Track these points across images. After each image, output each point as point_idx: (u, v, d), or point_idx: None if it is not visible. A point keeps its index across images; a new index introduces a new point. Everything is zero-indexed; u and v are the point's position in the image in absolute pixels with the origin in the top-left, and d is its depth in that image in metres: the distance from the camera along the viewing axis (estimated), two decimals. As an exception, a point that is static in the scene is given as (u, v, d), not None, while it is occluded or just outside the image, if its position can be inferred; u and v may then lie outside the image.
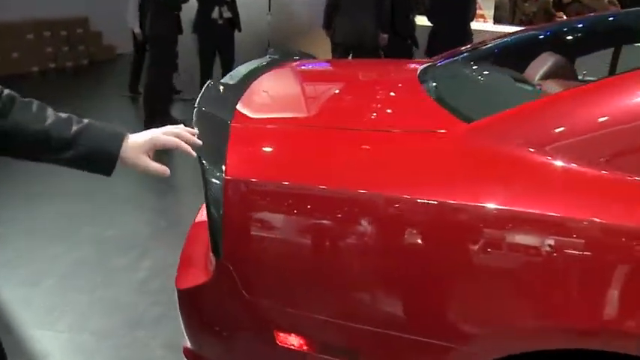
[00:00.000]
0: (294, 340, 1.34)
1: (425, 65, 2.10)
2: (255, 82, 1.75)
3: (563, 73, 2.18)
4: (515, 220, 1.13)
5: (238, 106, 1.54)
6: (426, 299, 1.21)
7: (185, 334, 1.47)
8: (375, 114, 1.61)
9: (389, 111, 1.66)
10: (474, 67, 2.10)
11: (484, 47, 2.36)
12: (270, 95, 1.77)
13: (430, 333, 1.22)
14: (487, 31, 6.69)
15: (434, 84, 1.77)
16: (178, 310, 1.46)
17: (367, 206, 1.22)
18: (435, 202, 1.17)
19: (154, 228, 3.52)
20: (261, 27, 7.23)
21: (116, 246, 3.17)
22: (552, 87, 1.96)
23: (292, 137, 1.44)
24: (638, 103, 1.24)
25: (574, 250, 1.10)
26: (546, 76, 2.15)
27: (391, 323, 1.24)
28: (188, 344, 1.49)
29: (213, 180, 1.29)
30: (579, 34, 2.48)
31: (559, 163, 1.20)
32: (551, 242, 1.09)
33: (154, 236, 3.36)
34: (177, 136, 1.17)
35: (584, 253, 1.09)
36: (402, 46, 5.53)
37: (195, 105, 1.49)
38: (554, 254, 1.09)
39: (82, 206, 3.65)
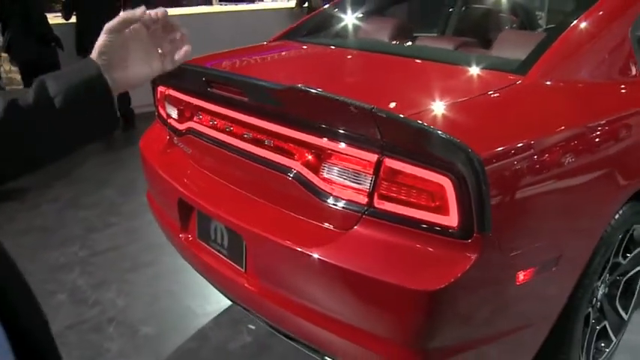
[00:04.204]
0: (527, 275, 1.60)
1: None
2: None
3: (404, 31, 2.76)
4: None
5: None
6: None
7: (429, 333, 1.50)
8: (432, 90, 1.86)
9: (441, 84, 1.91)
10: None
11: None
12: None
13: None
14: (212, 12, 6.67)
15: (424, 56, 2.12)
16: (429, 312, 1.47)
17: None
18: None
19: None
20: None
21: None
22: (431, 43, 2.55)
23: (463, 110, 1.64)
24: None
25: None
26: (395, 36, 2.69)
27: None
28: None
29: (470, 163, 1.38)
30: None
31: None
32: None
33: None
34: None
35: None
36: (45, 50, 4.87)
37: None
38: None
39: None
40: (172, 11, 6.45)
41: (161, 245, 3.18)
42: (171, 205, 2.22)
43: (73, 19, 5.09)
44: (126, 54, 0.93)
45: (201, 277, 2.58)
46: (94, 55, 0.91)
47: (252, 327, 2.55)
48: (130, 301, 2.78)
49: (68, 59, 5.06)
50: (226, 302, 2.69)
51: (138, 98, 5.50)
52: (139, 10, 0.92)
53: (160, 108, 2.46)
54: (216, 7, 7.09)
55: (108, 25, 0.91)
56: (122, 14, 0.91)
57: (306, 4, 6.74)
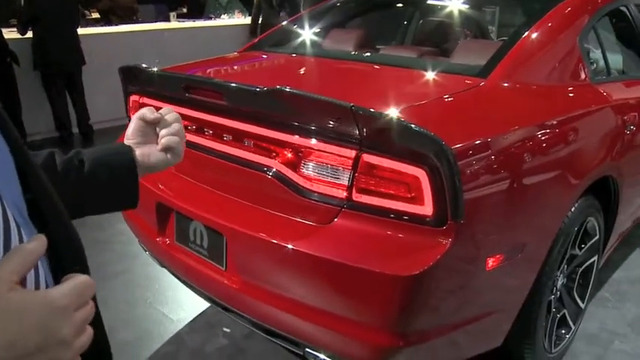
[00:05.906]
0: (496, 261, 1.72)
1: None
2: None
3: (366, 42, 2.89)
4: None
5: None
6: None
7: (408, 319, 1.59)
8: (404, 92, 1.98)
9: (412, 88, 2.04)
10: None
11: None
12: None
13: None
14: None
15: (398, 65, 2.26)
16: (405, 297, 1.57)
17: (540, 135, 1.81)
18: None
19: None
20: None
21: None
22: (395, 51, 2.68)
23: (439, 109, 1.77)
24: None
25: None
26: (358, 47, 2.82)
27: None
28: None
29: (444, 155, 1.50)
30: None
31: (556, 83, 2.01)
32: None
33: None
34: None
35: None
36: (1, 66, 4.79)
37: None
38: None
39: None
40: (133, 27, 6.46)
41: (132, 255, 3.20)
42: (149, 209, 2.25)
43: (29, 35, 5.05)
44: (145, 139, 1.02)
45: (175, 284, 2.62)
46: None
47: (228, 330, 2.58)
48: (105, 308, 2.75)
49: (25, 75, 5.01)
50: (201, 307, 2.73)
51: (96, 114, 5.48)
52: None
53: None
54: (174, 24, 7.13)
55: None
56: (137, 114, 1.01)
57: (260, 20, 6.84)
